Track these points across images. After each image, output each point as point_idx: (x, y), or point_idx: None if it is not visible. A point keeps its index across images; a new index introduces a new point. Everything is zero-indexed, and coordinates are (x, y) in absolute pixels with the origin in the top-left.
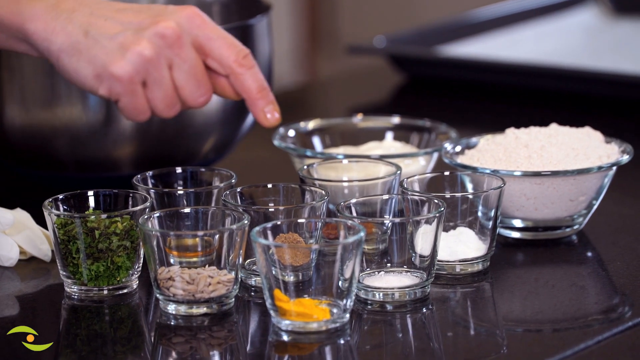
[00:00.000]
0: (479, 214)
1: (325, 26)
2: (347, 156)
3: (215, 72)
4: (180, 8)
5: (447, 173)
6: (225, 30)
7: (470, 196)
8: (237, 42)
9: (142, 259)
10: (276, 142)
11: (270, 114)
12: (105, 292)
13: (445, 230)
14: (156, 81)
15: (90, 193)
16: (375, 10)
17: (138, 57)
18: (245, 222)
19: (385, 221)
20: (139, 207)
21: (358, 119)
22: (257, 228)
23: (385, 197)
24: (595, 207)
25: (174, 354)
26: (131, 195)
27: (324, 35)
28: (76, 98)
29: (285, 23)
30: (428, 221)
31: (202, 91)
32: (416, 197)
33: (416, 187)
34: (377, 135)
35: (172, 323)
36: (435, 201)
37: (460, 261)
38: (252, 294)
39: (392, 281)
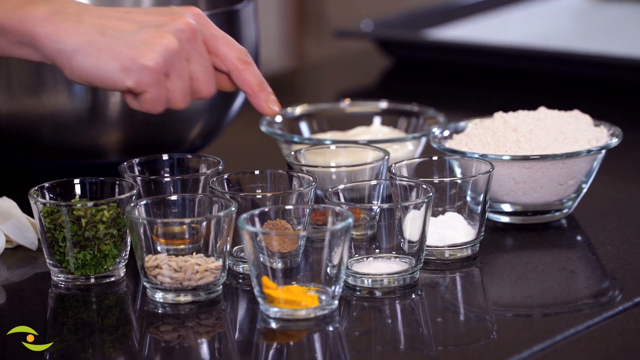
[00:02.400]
0: (468, 198)
1: (313, 10)
2: (334, 142)
3: (216, 69)
4: (186, 8)
5: (435, 158)
6: (211, 15)
7: (459, 181)
8: (235, 41)
9: (129, 247)
10: (263, 128)
11: (272, 103)
12: (92, 280)
13: (434, 215)
14: (179, 73)
15: (77, 181)
16: None
17: (166, 49)
18: (233, 209)
19: (373, 207)
20: (125, 195)
21: (345, 104)
22: (244, 215)
23: (374, 182)
24: (584, 190)
25: (161, 342)
26: (118, 182)
27: (311, 19)
28: (62, 85)
29: (272, 7)
30: (416, 206)
31: (212, 82)
32: (404, 183)
33: (404, 172)
34: (365, 120)
35: (159, 311)
36: (424, 186)
37: (449, 246)
38: (240, 281)
39: (381, 267)
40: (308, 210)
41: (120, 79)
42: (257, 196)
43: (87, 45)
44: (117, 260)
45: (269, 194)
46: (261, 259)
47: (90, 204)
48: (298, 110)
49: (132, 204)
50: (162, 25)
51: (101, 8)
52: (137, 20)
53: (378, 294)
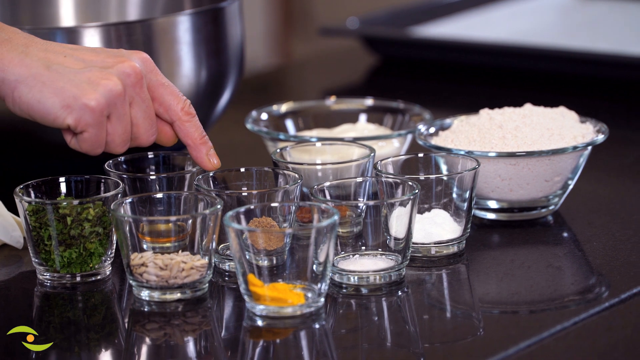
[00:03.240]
0: (454, 195)
1: (299, 8)
2: (320, 139)
3: (159, 117)
4: (134, 52)
5: (421, 155)
6: (197, 14)
7: (445, 178)
8: (180, 92)
9: (114, 245)
10: (249, 126)
11: (212, 158)
12: (78, 278)
13: (420, 212)
14: (120, 117)
15: (62, 179)
16: None
17: (109, 91)
18: (218, 206)
19: (359, 204)
20: (111, 193)
21: (331, 102)
22: (230, 212)
23: (359, 179)
24: (570, 187)
25: (147, 340)
26: (103, 181)
27: (297, 17)
28: None
29: (258, 5)
30: (402, 203)
31: (153, 130)
32: (390, 180)
33: (390, 170)
34: (351, 117)
35: (145, 309)
36: (410, 183)
37: (435, 243)
38: (226, 279)
39: (367, 264)
40: (294, 208)
41: (61, 115)
42: (243, 194)
43: (31, 77)
44: (103, 258)
45: (254, 192)
46: (247, 257)
47: (75, 202)
48: (284, 107)
49: (118, 202)
50: (108, 66)
51: (49, 42)
52: (83, 58)
53: (364, 291)
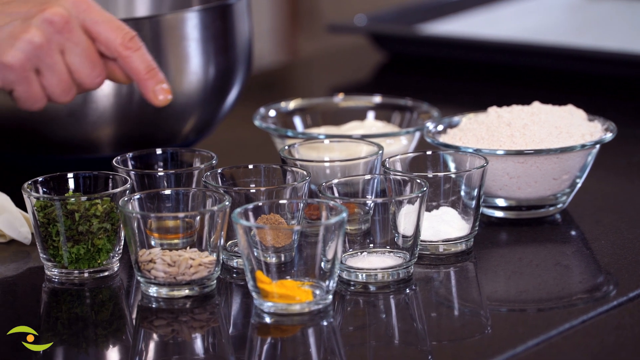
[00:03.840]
0: (462, 193)
1: (306, 5)
2: (328, 136)
3: (104, 56)
4: None
5: (429, 152)
6: (205, 10)
7: (453, 175)
8: (123, 25)
9: (122, 242)
10: (257, 123)
11: (160, 93)
12: (86, 274)
13: (428, 210)
14: (49, 67)
15: (70, 175)
16: None
17: (28, 44)
18: (227, 203)
19: (367, 201)
20: (119, 189)
21: (339, 99)
22: (238, 209)
23: (368, 177)
24: (578, 185)
25: (155, 336)
26: (111, 177)
27: (304, 14)
28: None
29: (265, 2)
30: (411, 201)
31: (97, 72)
32: (398, 177)
33: (398, 167)
34: (359, 114)
35: (153, 306)
36: (418, 181)
37: (443, 241)
38: (234, 275)
39: (375, 262)
40: (302, 205)
41: None
42: (251, 190)
43: None
44: (111, 254)
45: (262, 189)
46: (255, 254)
47: (83, 198)
48: (292, 104)
49: (126, 198)
50: (30, 17)
51: None
52: (10, 12)
53: (372, 288)
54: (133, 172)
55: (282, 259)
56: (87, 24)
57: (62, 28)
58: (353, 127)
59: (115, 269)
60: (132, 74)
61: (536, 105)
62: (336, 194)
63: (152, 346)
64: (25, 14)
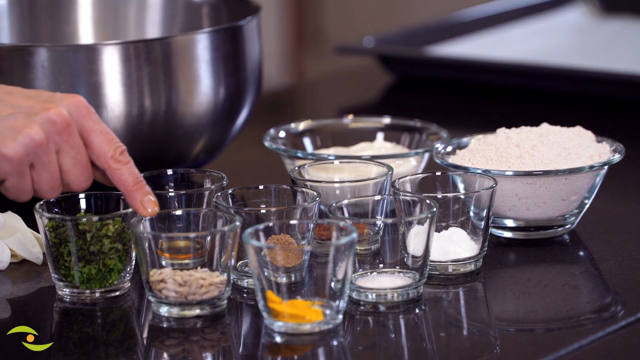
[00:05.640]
0: (471, 214)
1: (312, 27)
2: (338, 157)
3: (93, 164)
4: (68, 96)
5: (438, 173)
6: (216, 32)
7: (462, 196)
8: (115, 137)
9: (134, 262)
10: (267, 144)
11: (148, 205)
12: (97, 294)
13: (438, 230)
14: (44, 165)
15: (82, 195)
16: (361, 11)
17: (29, 140)
18: (237, 223)
19: (377, 222)
20: (130, 210)
21: (348, 120)
22: (249, 230)
23: (377, 197)
24: (587, 206)
25: (166, 356)
26: (122, 197)
27: (310, 36)
28: None
29: (271, 24)
30: (420, 222)
31: (86, 176)
32: (408, 198)
33: (408, 188)
34: (368, 135)
35: (164, 325)
36: (427, 201)
37: (452, 261)
38: (245, 295)
39: (385, 282)
40: (312, 225)
41: None
42: (262, 211)
43: None
44: (122, 274)
45: (273, 209)
46: (266, 274)
47: (95, 218)
48: (301, 125)
49: (137, 219)
50: (34, 113)
51: None
52: (13, 104)
53: (382, 308)
54: None
55: (293, 279)
56: (83, 130)
57: (63, 130)
58: (362, 148)
59: (127, 288)
60: (119, 185)
61: (545, 126)
62: (346, 215)
63: None
64: (29, 109)
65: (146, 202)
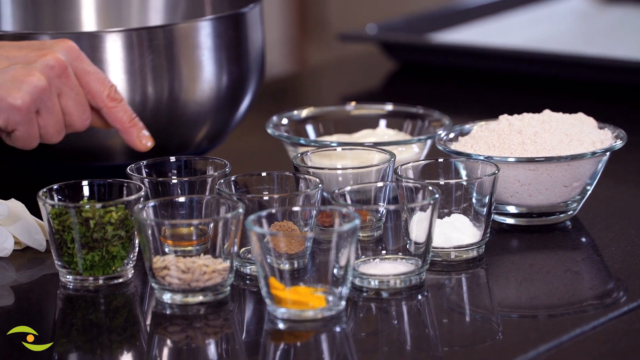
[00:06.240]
0: (474, 200)
1: (315, 15)
2: (340, 144)
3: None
4: (58, 41)
5: (441, 160)
6: (218, 19)
7: (465, 183)
8: (107, 77)
9: (137, 249)
10: (270, 131)
11: (144, 139)
12: (101, 281)
13: (440, 217)
14: (49, 109)
15: (85, 183)
16: None
17: (33, 87)
18: (240, 210)
19: (379, 208)
20: (133, 197)
21: (351, 107)
22: (252, 216)
23: (380, 184)
24: (589, 192)
25: (169, 342)
26: (125, 184)
27: (313, 23)
28: None
29: (274, 11)
30: (423, 208)
31: (87, 115)
32: (410, 185)
33: (410, 175)
34: (370, 122)
35: (167, 312)
36: (430, 188)
37: (455, 248)
38: (248, 282)
39: (387, 268)
40: (315, 212)
41: None
42: (264, 198)
43: None
44: (125, 261)
45: (276, 196)
46: (268, 260)
47: (98, 205)
48: (304, 112)
49: (140, 206)
50: (31, 61)
51: None
52: (7, 56)
53: (384, 295)
54: (147, 180)
55: (295, 265)
56: (78, 72)
57: (61, 73)
58: (365, 135)
59: (130, 275)
60: (115, 123)
61: (547, 113)
62: (349, 201)
63: (166, 352)
64: (25, 59)
65: (143, 137)
